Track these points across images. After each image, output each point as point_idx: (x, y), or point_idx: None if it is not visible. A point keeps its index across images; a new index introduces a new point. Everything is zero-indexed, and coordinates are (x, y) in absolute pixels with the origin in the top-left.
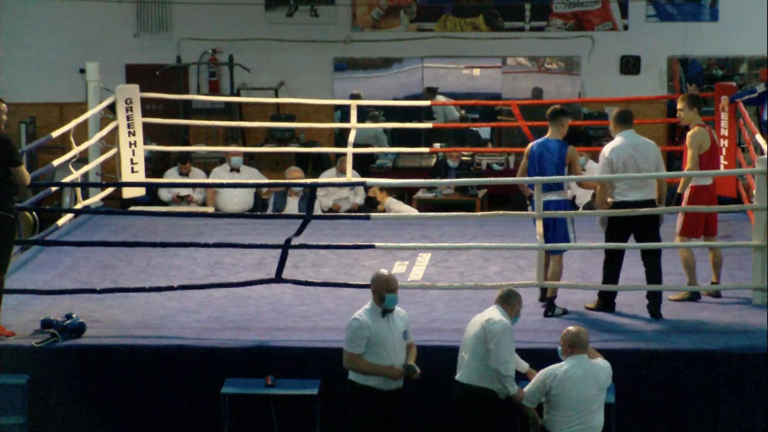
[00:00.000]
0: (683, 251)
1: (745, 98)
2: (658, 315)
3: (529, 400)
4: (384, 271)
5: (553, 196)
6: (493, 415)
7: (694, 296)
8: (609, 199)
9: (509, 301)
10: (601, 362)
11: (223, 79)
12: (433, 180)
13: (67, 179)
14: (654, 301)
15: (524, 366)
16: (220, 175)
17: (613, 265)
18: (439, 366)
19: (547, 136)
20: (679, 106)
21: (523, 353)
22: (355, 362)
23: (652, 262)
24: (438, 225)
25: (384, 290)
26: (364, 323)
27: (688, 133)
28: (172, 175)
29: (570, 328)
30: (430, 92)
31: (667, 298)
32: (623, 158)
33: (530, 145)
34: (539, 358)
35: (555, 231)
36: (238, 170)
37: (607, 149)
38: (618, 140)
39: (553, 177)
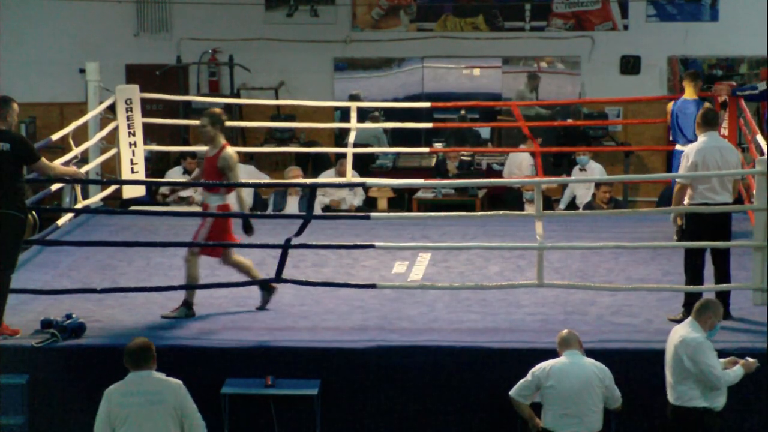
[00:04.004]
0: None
1: (746, 93)
2: (728, 315)
3: (519, 394)
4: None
5: (677, 147)
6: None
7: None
8: (686, 201)
9: (701, 314)
10: (595, 362)
11: (223, 79)
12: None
13: None
14: (723, 301)
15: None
16: None
17: (694, 267)
18: (439, 366)
19: (684, 96)
20: (201, 122)
21: (524, 353)
22: None
23: (722, 263)
24: (438, 225)
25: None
26: None
27: (227, 155)
28: (175, 173)
29: (562, 331)
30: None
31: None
32: (707, 160)
33: (671, 103)
34: (539, 358)
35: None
36: None
37: (691, 151)
38: (702, 141)
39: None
